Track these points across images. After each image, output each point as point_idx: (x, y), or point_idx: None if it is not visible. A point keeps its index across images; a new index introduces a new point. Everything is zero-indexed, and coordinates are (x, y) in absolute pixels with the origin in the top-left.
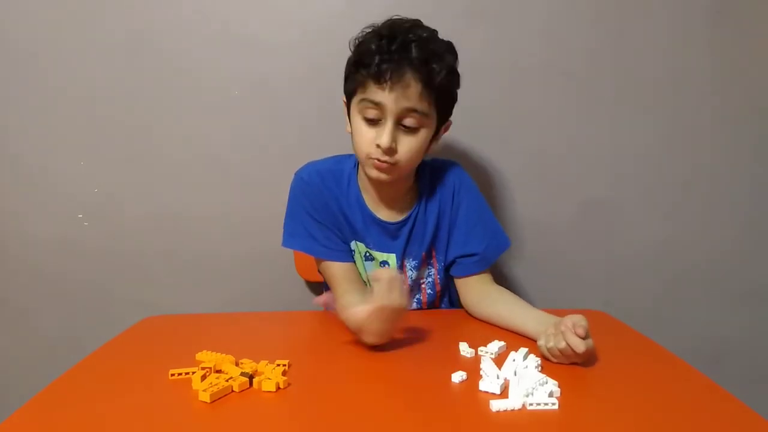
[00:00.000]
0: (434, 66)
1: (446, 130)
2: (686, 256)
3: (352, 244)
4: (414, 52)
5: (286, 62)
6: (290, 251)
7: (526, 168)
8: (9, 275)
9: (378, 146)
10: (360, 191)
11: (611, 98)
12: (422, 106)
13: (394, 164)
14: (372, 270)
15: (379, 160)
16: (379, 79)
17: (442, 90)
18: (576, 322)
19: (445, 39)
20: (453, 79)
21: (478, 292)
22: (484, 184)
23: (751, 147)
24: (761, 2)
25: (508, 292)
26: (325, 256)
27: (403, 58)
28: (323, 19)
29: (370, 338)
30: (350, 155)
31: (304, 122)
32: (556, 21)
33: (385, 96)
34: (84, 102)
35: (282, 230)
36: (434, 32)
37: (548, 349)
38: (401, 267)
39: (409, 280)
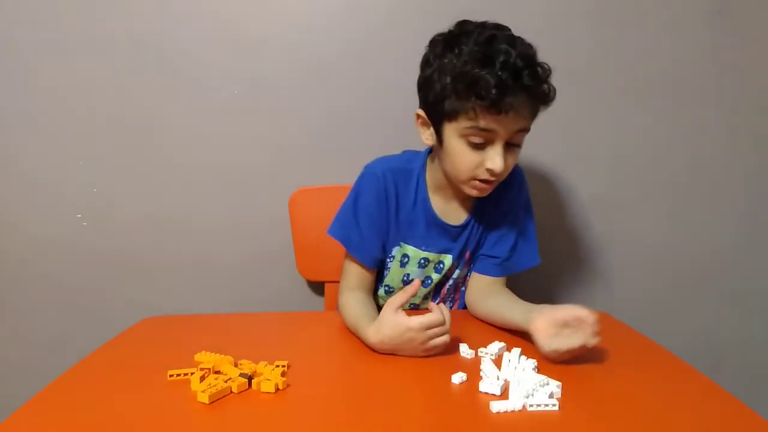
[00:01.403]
0: (545, 87)
1: None
2: (687, 256)
3: (396, 250)
4: (527, 80)
5: (287, 62)
6: (292, 252)
7: (526, 167)
8: (8, 275)
9: (488, 170)
10: (427, 193)
11: (611, 98)
12: (529, 124)
13: (497, 180)
14: (422, 276)
15: (483, 181)
16: (494, 111)
17: (545, 107)
18: (584, 318)
19: (533, 46)
20: (554, 89)
21: (483, 290)
22: None
23: (752, 147)
24: (761, 2)
25: (509, 292)
26: (356, 254)
27: (519, 88)
28: (324, 18)
29: (375, 337)
30: (418, 153)
31: (306, 123)
32: (555, 20)
33: (498, 124)
34: (83, 102)
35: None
36: (531, 46)
37: (555, 351)
38: (453, 267)
39: (451, 279)
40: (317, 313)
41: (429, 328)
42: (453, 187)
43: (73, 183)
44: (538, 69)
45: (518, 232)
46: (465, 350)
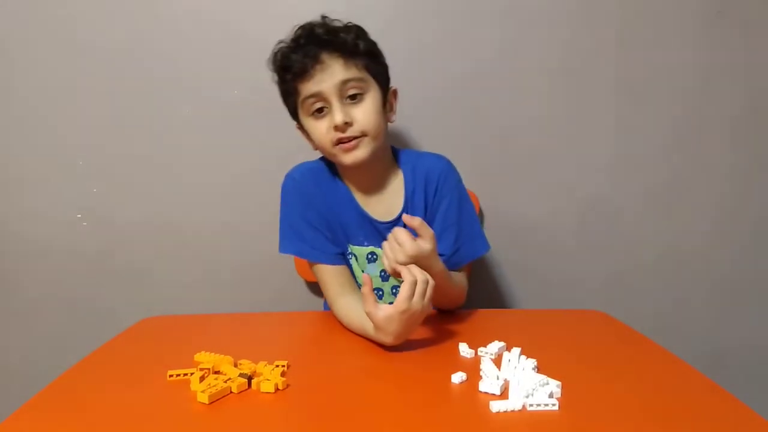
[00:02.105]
0: (341, 35)
1: (395, 97)
2: (686, 257)
3: (350, 250)
4: (318, 31)
5: None
6: None
7: (526, 167)
8: (8, 275)
9: (335, 127)
10: (350, 191)
11: (611, 98)
12: (352, 73)
13: (360, 137)
14: (377, 271)
15: (342, 141)
16: (303, 73)
17: (361, 54)
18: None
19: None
20: (366, 42)
21: None
22: (484, 184)
23: (754, 149)
24: (761, 2)
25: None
26: (315, 259)
27: (314, 44)
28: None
29: (387, 339)
30: None
31: None
32: (558, 23)
33: (316, 83)
34: (84, 103)
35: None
36: (326, 17)
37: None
38: None
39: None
40: (317, 313)
41: (412, 295)
42: (362, 177)
43: (73, 184)
44: (333, 24)
45: (458, 223)
46: (465, 350)
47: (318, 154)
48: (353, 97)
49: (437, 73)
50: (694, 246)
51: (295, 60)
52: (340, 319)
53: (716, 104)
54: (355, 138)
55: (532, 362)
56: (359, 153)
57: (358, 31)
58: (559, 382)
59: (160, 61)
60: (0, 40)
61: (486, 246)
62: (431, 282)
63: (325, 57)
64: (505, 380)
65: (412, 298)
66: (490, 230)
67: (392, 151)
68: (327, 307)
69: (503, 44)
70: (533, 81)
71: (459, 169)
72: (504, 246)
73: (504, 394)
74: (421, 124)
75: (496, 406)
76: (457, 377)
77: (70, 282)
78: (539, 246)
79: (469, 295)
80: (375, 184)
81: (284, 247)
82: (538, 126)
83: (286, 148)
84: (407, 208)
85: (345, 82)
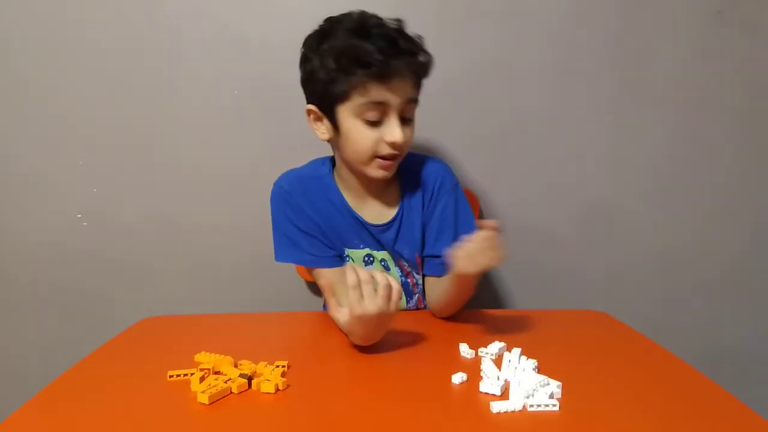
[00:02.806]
0: (422, 54)
1: None
2: (687, 257)
3: (346, 253)
4: (403, 44)
5: (288, 64)
6: None
7: (527, 169)
8: (8, 275)
9: (390, 143)
10: (342, 195)
11: (612, 99)
12: (415, 94)
13: (399, 156)
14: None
15: (386, 158)
16: (383, 79)
17: (426, 76)
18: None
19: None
20: (433, 62)
21: (437, 286)
22: (485, 185)
23: (753, 148)
24: (762, 2)
25: None
26: (314, 265)
27: (398, 53)
28: (323, 18)
29: (356, 341)
30: (323, 160)
31: (304, 122)
32: (558, 22)
33: (388, 94)
34: (83, 102)
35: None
36: (401, 21)
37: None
38: (399, 267)
39: (415, 280)
40: (317, 313)
41: (359, 297)
42: (362, 181)
43: (73, 183)
44: (411, 36)
45: (455, 225)
46: (465, 350)
47: (311, 154)
48: (404, 115)
49: (436, 73)
50: (694, 246)
51: (378, 61)
52: (334, 318)
53: (716, 104)
54: (395, 156)
55: (532, 362)
56: (391, 172)
57: (423, 47)
58: (559, 383)
59: (160, 61)
60: (0, 41)
61: None
62: (391, 284)
63: (405, 71)
64: (506, 381)
65: (361, 303)
66: None
67: None
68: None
69: (503, 44)
70: (533, 81)
71: (459, 169)
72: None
73: (504, 395)
74: (421, 125)
75: (496, 406)
76: (458, 378)
77: (70, 282)
78: (539, 246)
79: None
80: (371, 189)
81: (282, 256)
82: (538, 126)
83: (287, 147)
84: (402, 212)
85: (410, 101)
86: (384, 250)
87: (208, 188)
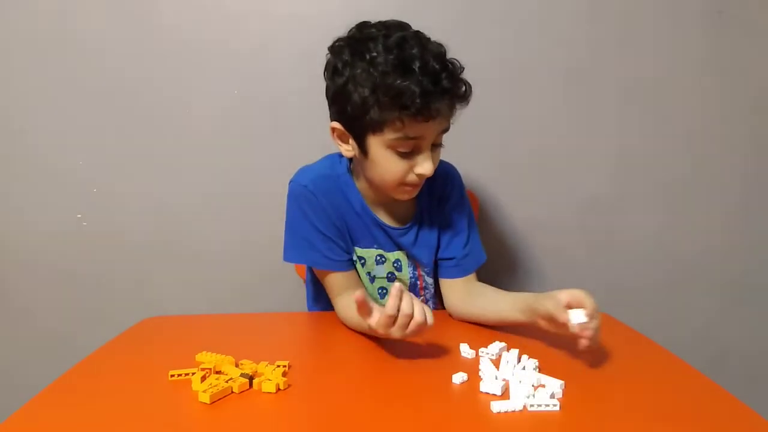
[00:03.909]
0: (463, 89)
1: None
2: (687, 257)
3: (357, 254)
4: (446, 83)
5: (287, 62)
6: None
7: (526, 167)
8: (8, 275)
9: (419, 175)
10: (361, 196)
11: (612, 98)
12: (449, 122)
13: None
14: (384, 272)
15: (414, 184)
16: (422, 118)
17: (465, 106)
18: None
19: (442, 44)
20: (471, 91)
21: (462, 292)
22: (485, 184)
23: (752, 146)
24: (762, 2)
25: (488, 286)
26: (328, 268)
27: (440, 93)
28: (326, 20)
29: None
30: (339, 159)
31: (306, 125)
32: (558, 22)
33: (424, 130)
34: (83, 101)
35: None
36: (440, 45)
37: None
38: (414, 268)
39: (424, 282)
40: (318, 313)
41: (390, 324)
42: (384, 194)
43: (74, 183)
44: (453, 69)
45: (467, 228)
46: (465, 350)
47: (311, 154)
48: (437, 144)
49: None
50: (694, 246)
51: (419, 104)
52: (341, 317)
53: (717, 104)
54: (422, 182)
55: (533, 362)
56: (415, 194)
57: (462, 75)
58: (560, 382)
59: (160, 61)
60: (0, 41)
61: (484, 255)
62: (425, 322)
63: (443, 108)
64: (506, 380)
65: (396, 304)
66: (490, 231)
67: None
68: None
69: (503, 44)
70: (534, 81)
71: (460, 169)
72: (505, 246)
73: (505, 395)
74: None
75: (497, 406)
76: (458, 377)
77: (71, 282)
78: (540, 246)
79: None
80: (393, 199)
81: (293, 257)
82: (539, 126)
83: (288, 149)
84: (420, 215)
85: (443, 131)
86: (398, 250)
87: (209, 188)
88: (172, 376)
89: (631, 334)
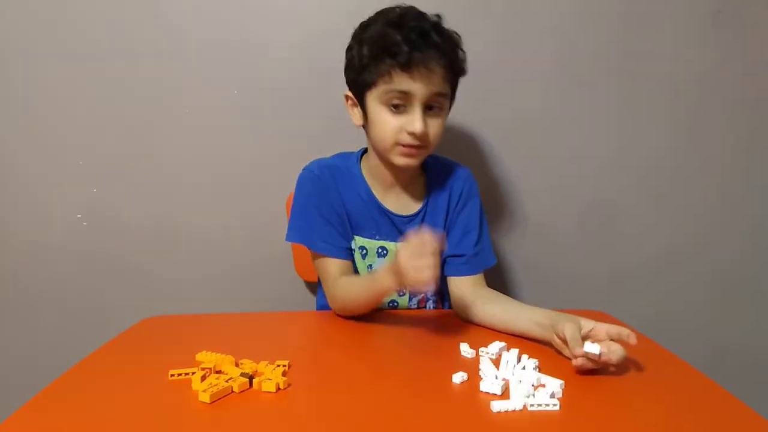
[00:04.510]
0: (456, 50)
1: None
2: (687, 258)
3: (353, 243)
4: (435, 37)
5: (287, 65)
6: (290, 252)
7: (529, 169)
8: (8, 275)
9: (410, 133)
10: (368, 185)
11: (614, 100)
12: (444, 88)
13: (422, 147)
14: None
15: (408, 145)
16: (407, 68)
17: (459, 72)
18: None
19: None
20: (466, 61)
21: (471, 293)
22: (488, 185)
23: (754, 149)
24: (762, 2)
25: (501, 294)
26: (323, 251)
27: (428, 45)
28: (326, 21)
29: (411, 276)
30: (351, 153)
31: (305, 124)
32: (559, 22)
33: (413, 84)
34: (83, 102)
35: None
36: (440, 18)
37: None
38: None
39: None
40: (318, 312)
41: (413, 254)
42: (389, 171)
43: (73, 184)
44: (445, 31)
45: (479, 228)
46: (466, 350)
47: (311, 153)
48: (431, 107)
49: None
50: (694, 246)
51: (405, 52)
52: (337, 298)
53: (716, 104)
54: (418, 147)
55: (533, 362)
56: (414, 160)
57: (461, 47)
58: (560, 382)
59: (160, 61)
60: (0, 41)
61: (494, 259)
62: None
63: (434, 65)
64: (506, 380)
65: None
66: (490, 231)
67: None
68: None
69: (503, 45)
70: (535, 81)
71: None
72: (505, 246)
73: (505, 394)
74: None
75: (497, 406)
76: (458, 377)
77: (71, 282)
78: (540, 246)
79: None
80: (398, 181)
81: (293, 236)
82: (540, 126)
83: (287, 147)
84: (427, 206)
85: (437, 94)
86: (401, 242)
87: (209, 188)
88: (172, 375)
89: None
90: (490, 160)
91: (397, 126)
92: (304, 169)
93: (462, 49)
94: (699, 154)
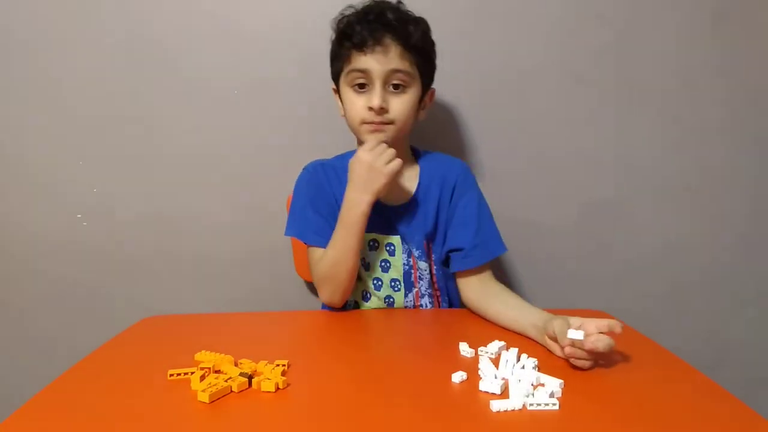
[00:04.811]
0: (410, 27)
1: (431, 98)
2: (687, 258)
3: None
4: (389, 15)
5: (287, 62)
6: (289, 252)
7: (529, 169)
8: (8, 275)
9: (370, 109)
10: None
11: (614, 100)
12: (404, 65)
13: (389, 123)
14: (377, 259)
15: (373, 122)
16: (361, 47)
17: (419, 50)
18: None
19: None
20: (428, 40)
21: (477, 289)
22: (488, 185)
23: (754, 149)
24: (762, 2)
25: (507, 290)
26: (314, 243)
27: (380, 23)
28: (325, 19)
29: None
30: (352, 152)
31: (304, 121)
32: (559, 23)
33: (369, 61)
34: (83, 101)
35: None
36: (401, 3)
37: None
38: (409, 254)
39: (419, 269)
40: (317, 312)
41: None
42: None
43: (73, 183)
44: (403, 11)
45: (477, 220)
46: (465, 349)
47: (311, 152)
48: (396, 86)
49: (440, 73)
50: (694, 246)
51: (358, 32)
52: (326, 265)
53: (717, 104)
54: (383, 123)
55: (532, 361)
56: (381, 136)
57: (425, 28)
58: (560, 381)
59: (159, 60)
60: (0, 41)
61: (503, 247)
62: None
63: (388, 41)
64: (505, 379)
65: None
66: None
67: (411, 149)
68: (325, 306)
69: (504, 45)
70: (536, 82)
71: None
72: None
73: (504, 394)
74: (422, 125)
75: (496, 405)
76: (458, 376)
77: (70, 282)
78: (540, 246)
79: (456, 292)
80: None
81: (289, 231)
82: (540, 127)
83: (287, 147)
84: (419, 195)
85: (395, 71)
86: (391, 234)
87: (209, 188)
88: (172, 375)
89: (631, 333)
90: (490, 159)
91: (360, 105)
92: (302, 169)
93: (421, 28)
94: (699, 154)
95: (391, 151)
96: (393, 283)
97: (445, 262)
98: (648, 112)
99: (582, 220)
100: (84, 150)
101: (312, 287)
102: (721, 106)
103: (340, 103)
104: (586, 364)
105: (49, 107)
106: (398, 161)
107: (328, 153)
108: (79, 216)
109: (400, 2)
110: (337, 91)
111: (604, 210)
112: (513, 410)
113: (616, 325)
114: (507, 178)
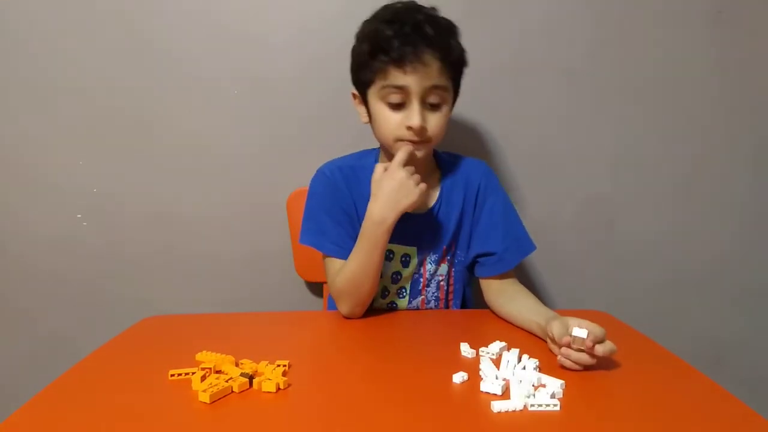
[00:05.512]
0: (450, 42)
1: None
2: (687, 256)
3: None
4: (429, 30)
5: (287, 63)
6: (290, 252)
7: (527, 167)
8: (8, 275)
9: (409, 128)
10: None
11: (612, 97)
12: (442, 81)
13: (424, 141)
14: (389, 270)
15: (409, 141)
16: (400, 64)
17: (457, 64)
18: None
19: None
20: (463, 53)
21: (497, 290)
22: None
23: (753, 146)
24: (762, 2)
25: (525, 290)
26: (331, 253)
27: (420, 39)
28: (324, 18)
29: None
30: (372, 150)
31: (305, 121)
32: (557, 20)
33: (408, 79)
34: (83, 101)
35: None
36: (436, 10)
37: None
38: (421, 262)
39: (428, 273)
40: (318, 312)
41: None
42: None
43: (73, 183)
44: (441, 23)
45: (505, 222)
46: (466, 350)
47: (310, 151)
48: (431, 101)
49: None
50: (694, 246)
51: (396, 47)
52: (343, 280)
53: (717, 103)
54: (419, 141)
55: (534, 362)
56: (417, 153)
57: (458, 37)
58: (561, 382)
59: (159, 60)
60: (0, 40)
61: (533, 245)
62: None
63: (428, 58)
64: (506, 380)
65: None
66: None
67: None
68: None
69: (504, 44)
70: (535, 81)
71: None
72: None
73: (505, 395)
74: None
75: (497, 406)
76: (459, 377)
77: (70, 282)
78: (540, 246)
79: (471, 294)
80: None
81: (304, 239)
82: (539, 126)
83: (287, 147)
84: (441, 203)
85: (434, 87)
86: (408, 245)
87: (208, 189)
88: (172, 375)
89: (631, 333)
90: (490, 159)
91: (396, 122)
92: (317, 171)
93: (457, 40)
94: (698, 153)
95: (418, 176)
96: (400, 291)
97: (470, 266)
98: (646, 110)
99: (580, 218)
100: (84, 150)
101: (312, 287)
102: (719, 103)
103: (363, 109)
104: (574, 366)
105: (49, 107)
106: (424, 185)
107: (330, 153)
108: (79, 216)
109: (434, 9)
110: (360, 98)
111: (603, 208)
112: (514, 411)
113: (611, 347)
114: (505, 177)
